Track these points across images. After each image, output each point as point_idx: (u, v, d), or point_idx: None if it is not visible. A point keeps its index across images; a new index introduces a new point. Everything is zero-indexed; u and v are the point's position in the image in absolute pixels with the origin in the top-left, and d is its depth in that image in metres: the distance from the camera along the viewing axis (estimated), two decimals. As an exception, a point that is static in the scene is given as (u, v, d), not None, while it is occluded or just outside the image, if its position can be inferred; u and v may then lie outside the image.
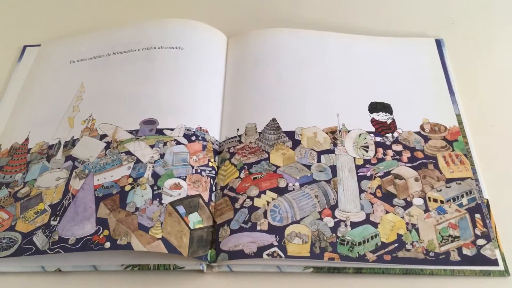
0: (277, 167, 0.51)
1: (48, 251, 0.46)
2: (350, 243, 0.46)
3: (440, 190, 0.49)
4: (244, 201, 0.49)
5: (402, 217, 0.47)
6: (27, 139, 0.56)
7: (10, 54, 0.67)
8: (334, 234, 0.46)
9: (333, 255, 0.45)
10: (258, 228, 0.47)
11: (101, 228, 0.46)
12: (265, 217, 0.47)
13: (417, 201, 0.49)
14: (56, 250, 0.46)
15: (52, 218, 0.48)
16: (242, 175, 0.51)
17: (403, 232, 0.46)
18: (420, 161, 0.52)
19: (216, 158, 0.53)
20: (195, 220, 0.47)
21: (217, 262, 0.46)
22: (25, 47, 0.67)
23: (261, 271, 0.46)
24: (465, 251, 0.45)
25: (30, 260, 0.47)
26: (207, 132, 0.54)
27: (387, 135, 0.54)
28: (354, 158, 0.52)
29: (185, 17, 0.65)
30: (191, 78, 0.59)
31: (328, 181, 0.50)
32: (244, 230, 0.47)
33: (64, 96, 0.59)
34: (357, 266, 0.45)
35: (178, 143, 0.53)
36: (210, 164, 0.52)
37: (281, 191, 0.49)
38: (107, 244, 0.45)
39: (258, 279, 0.46)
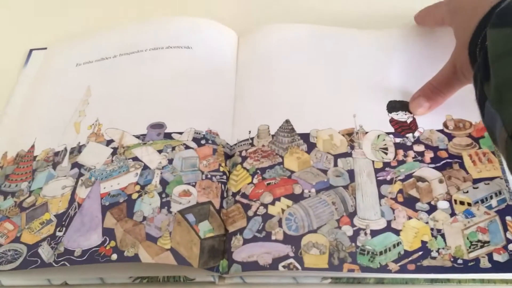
0: (292, 172, 0.49)
1: (54, 263, 0.44)
2: (370, 253, 0.43)
3: (467, 192, 0.46)
4: (258, 208, 0.46)
5: (426, 223, 0.44)
6: (33, 146, 0.54)
7: (16, 58, 0.65)
8: (353, 244, 0.43)
9: (352, 266, 0.42)
10: (273, 237, 0.44)
11: (107, 239, 0.44)
12: (280, 225, 0.45)
13: (442, 204, 0.45)
14: (61, 262, 0.44)
15: (58, 229, 0.46)
16: (255, 181, 0.48)
17: (428, 239, 0.43)
18: (444, 161, 0.48)
19: (227, 162, 0.51)
20: (205, 228, 0.45)
21: (229, 274, 0.43)
22: (31, 50, 0.66)
23: (276, 283, 0.44)
24: (496, 257, 0.42)
25: (35, 273, 0.45)
26: (217, 135, 0.52)
27: (407, 135, 0.50)
28: (373, 161, 0.49)
29: (193, 14, 0.63)
30: (200, 78, 0.57)
31: (345, 187, 0.47)
32: (258, 240, 0.44)
33: (70, 101, 0.58)
34: (378, 276, 0.43)
35: (187, 147, 0.51)
36: (221, 169, 0.50)
37: (296, 198, 0.46)
38: (114, 256, 0.43)
39: (274, 291, 0.44)
